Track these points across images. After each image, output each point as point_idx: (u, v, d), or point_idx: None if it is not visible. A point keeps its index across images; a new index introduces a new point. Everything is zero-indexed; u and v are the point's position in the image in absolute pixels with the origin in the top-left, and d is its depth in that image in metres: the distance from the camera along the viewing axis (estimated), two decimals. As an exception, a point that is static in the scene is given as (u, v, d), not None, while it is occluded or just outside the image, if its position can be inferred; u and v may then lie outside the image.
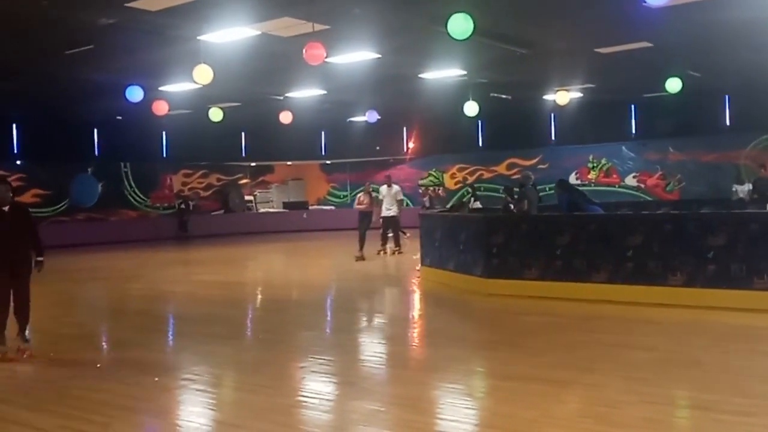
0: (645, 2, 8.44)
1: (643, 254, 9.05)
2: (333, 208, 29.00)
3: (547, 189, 17.77)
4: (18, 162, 22.87)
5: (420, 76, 16.41)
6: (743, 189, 16.24)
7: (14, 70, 14.38)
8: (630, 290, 9.02)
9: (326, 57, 11.21)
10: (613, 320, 8.29)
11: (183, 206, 25.95)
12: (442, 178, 27.05)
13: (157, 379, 6.31)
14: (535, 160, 24.55)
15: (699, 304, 8.50)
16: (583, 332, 7.76)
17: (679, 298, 8.66)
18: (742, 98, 20.18)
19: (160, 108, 15.21)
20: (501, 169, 25.56)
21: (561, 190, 11.24)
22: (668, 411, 5.07)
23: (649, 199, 22.01)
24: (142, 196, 26.01)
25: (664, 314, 8.37)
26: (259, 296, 12.24)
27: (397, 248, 16.80)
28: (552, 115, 23.93)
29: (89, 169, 24.49)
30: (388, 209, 16.13)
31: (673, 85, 16.40)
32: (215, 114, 17.77)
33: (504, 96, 20.03)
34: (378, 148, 27.18)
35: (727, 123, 21.04)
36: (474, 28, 9.70)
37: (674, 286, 8.79)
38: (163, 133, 25.86)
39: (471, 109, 17.83)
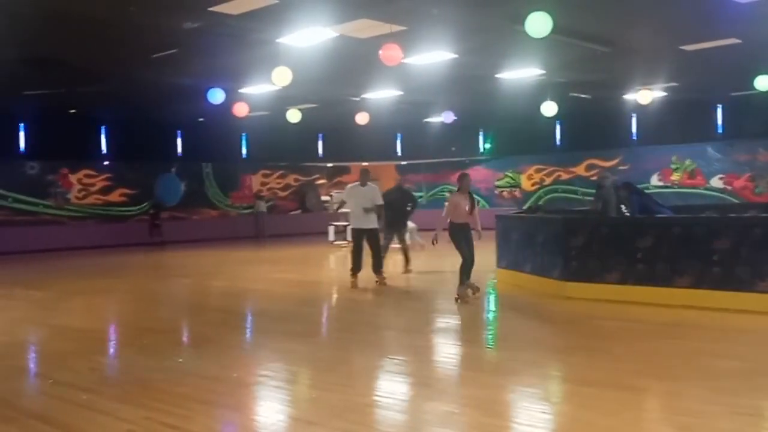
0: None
1: (731, 259, 8.72)
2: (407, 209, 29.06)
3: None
4: (106, 162, 23.75)
5: (497, 76, 16.26)
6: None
7: (103, 73, 14.96)
8: (716, 296, 8.71)
9: (403, 58, 11.25)
10: (697, 327, 8.02)
11: (152, 211, 24.06)
12: (519, 179, 26.73)
13: (235, 374, 6.44)
14: (615, 161, 24.01)
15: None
16: (665, 339, 7.53)
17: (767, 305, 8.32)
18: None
19: (241, 110, 15.53)
20: (579, 170, 25.10)
21: (627, 193, 11.02)
22: (757, 423, 4.86)
23: (736, 201, 21.21)
24: (222, 195, 26.64)
25: (753, 322, 8.05)
26: (335, 295, 12.35)
27: (380, 277, 12.02)
28: (633, 114, 23.35)
29: (173, 169, 25.24)
30: (359, 218, 11.78)
31: (764, 83, 15.77)
32: (293, 115, 18.04)
33: (583, 95, 19.67)
34: (454, 149, 27.08)
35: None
36: (553, 26, 9.55)
37: (764, 292, 8.44)
38: (243, 134, 26.44)
39: (549, 109, 17.55)
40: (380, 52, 10.70)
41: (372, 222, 11.73)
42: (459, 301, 10.07)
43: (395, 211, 13.54)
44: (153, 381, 6.23)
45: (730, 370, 6.13)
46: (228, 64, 14.16)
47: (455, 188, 10.98)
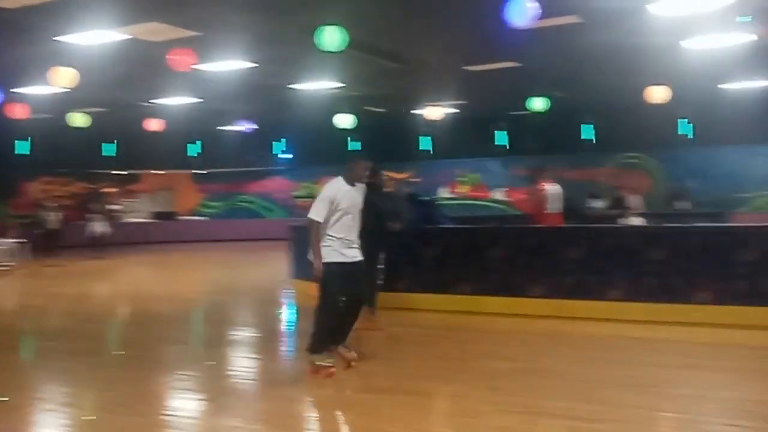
0: (511, 23, 8.76)
1: (507, 266, 9.36)
2: (206, 219, 28.48)
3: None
4: None
5: (295, 86, 16.36)
6: (599, 205, 17.11)
7: None
8: (494, 302, 9.31)
9: (196, 64, 11.01)
10: (476, 331, 8.51)
11: None
12: (316, 190, 27.03)
13: (5, 399, 5.92)
14: (407, 174, 24.97)
15: (558, 314, 8.87)
16: (447, 343, 7.92)
17: (539, 309, 9.01)
18: (604, 118, 21.36)
19: (19, 111, 14.39)
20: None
21: (412, 204, 11.56)
22: (524, 419, 5.23)
23: (517, 213, 22.84)
24: (-1, 204, 24.51)
25: (525, 325, 8.68)
26: (123, 310, 11.76)
27: (349, 354, 6.73)
28: (425, 129, 24.43)
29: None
30: (344, 242, 6.51)
31: (539, 104, 17.18)
32: (78, 119, 17.01)
33: (377, 109, 20.30)
34: (252, 158, 26.88)
35: (590, 142, 22.16)
36: (346, 41, 9.78)
37: (535, 297, 9.14)
38: (24, 138, 24.46)
39: (345, 121, 17.95)
40: (171, 56, 10.39)
41: (357, 249, 6.67)
42: None
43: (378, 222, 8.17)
44: None
45: (505, 370, 6.55)
46: (3, 62, 13.07)
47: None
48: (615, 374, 6.38)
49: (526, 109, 18.24)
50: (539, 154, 22.67)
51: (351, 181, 6.65)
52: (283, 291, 12.49)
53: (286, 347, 8.58)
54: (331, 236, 6.47)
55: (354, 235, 6.61)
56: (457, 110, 20.85)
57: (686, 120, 20.84)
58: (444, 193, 24.54)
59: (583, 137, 22.01)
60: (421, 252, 9.90)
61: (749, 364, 6.72)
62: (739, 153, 20.39)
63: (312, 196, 26.38)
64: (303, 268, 11.98)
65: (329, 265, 6.43)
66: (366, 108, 19.57)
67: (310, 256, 6.53)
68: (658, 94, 15.26)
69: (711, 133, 20.13)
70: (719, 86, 17.32)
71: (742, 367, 6.63)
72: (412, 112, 21.19)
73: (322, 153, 25.76)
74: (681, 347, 7.49)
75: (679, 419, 5.19)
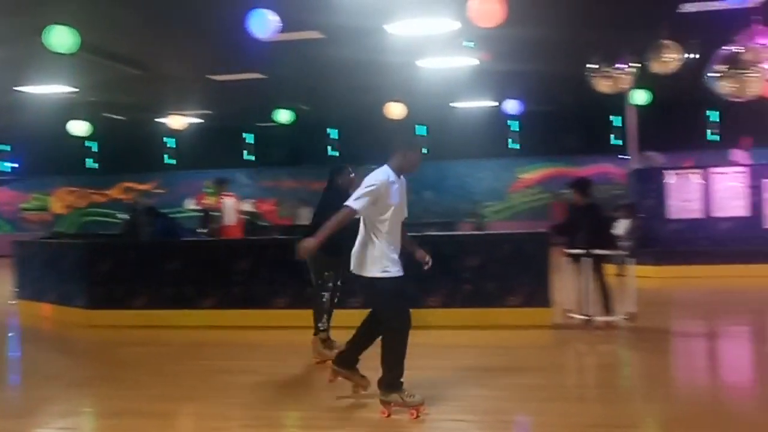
0: (253, 34, 8.74)
1: (250, 279, 9.29)
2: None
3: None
4: None
5: (20, 89, 15.02)
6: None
7: None
8: (237, 315, 9.17)
9: None
10: (218, 346, 8.37)
11: None
12: (48, 201, 25.09)
13: None
14: (151, 185, 24.04)
15: (299, 324, 8.94)
16: (187, 360, 7.68)
17: (282, 320, 9.01)
18: (347, 132, 22.13)
19: None
20: (115, 193, 24.59)
21: (152, 217, 11.28)
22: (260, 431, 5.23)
23: (265, 224, 22.86)
24: None
25: (268, 337, 8.64)
26: None
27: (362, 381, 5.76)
28: (169, 138, 23.69)
29: None
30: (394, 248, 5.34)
31: (283, 116, 17.42)
32: None
33: (117, 117, 19.32)
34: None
35: (334, 154, 22.83)
36: (78, 43, 9.20)
37: (278, 309, 9.14)
38: None
39: (79, 128, 16.88)
40: None
41: None
42: None
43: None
44: None
45: (245, 384, 6.47)
46: None
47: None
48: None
49: (273, 121, 18.37)
50: (287, 165, 22.99)
51: (399, 172, 5.32)
52: (7, 313, 11.39)
53: (3, 375, 7.79)
54: (387, 239, 5.15)
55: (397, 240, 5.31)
56: (203, 120, 20.44)
57: (424, 134, 22.22)
58: (190, 204, 23.90)
59: (327, 149, 22.69)
60: (162, 266, 9.54)
61: (472, 362, 7.25)
62: (468, 167, 22.17)
63: (44, 209, 24.64)
64: (29, 288, 11.06)
65: (391, 281, 5.15)
66: (104, 115, 18.51)
67: (369, 270, 5.15)
68: (395, 110, 16.11)
69: (444, 147, 21.66)
70: (451, 104, 18.72)
71: (466, 365, 7.14)
72: (155, 120, 20.40)
73: (54, 162, 23.96)
74: (416, 351, 7.90)
75: (411, 420, 5.47)
